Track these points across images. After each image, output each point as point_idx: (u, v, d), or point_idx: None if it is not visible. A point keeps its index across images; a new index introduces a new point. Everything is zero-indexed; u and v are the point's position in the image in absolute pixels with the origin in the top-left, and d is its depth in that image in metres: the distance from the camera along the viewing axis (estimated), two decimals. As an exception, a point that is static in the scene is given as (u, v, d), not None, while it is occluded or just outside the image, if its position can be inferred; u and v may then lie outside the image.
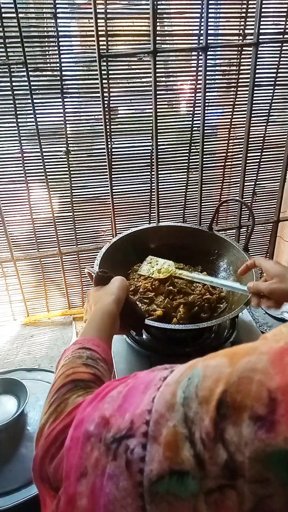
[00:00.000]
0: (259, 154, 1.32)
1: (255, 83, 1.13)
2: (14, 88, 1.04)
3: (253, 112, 1.14)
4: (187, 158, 1.27)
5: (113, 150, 1.18)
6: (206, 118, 1.13)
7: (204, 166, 1.19)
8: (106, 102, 1.10)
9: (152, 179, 1.25)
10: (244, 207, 1.24)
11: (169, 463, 0.27)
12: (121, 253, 1.04)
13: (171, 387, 0.31)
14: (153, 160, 1.21)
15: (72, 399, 0.41)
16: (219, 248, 1.09)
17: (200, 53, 1.09)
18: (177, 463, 0.27)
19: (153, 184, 1.26)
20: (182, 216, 1.38)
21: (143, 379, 0.35)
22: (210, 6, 1.02)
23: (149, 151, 1.22)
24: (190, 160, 1.27)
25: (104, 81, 1.06)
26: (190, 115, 1.21)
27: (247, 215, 1.38)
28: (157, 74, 1.06)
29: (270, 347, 0.29)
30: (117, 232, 1.30)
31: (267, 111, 1.25)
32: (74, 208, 1.26)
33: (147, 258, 1.06)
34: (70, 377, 0.44)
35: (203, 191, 1.24)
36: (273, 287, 0.74)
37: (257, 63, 1.08)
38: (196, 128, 1.22)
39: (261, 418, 0.25)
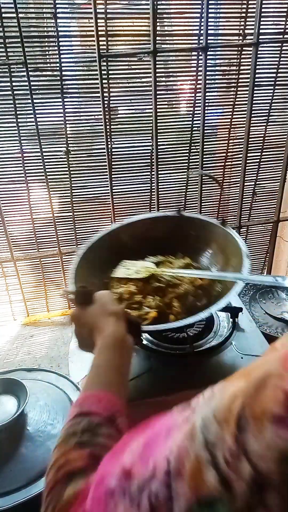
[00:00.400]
0: (259, 154, 1.32)
1: (255, 83, 1.13)
2: (14, 88, 1.04)
3: (253, 112, 1.14)
4: (187, 158, 1.27)
5: (113, 150, 1.18)
6: (206, 118, 1.13)
7: (204, 166, 1.19)
8: (106, 102, 1.10)
9: (152, 179, 1.25)
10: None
11: (195, 494, 0.26)
12: (96, 263, 0.97)
13: (190, 419, 0.30)
14: (153, 160, 1.21)
15: (67, 495, 0.38)
16: (197, 230, 1.03)
17: (200, 53, 1.09)
18: (203, 491, 0.26)
19: (153, 184, 1.26)
20: (182, 216, 1.38)
21: (164, 424, 0.34)
22: (210, 6, 1.02)
23: (149, 151, 1.22)
24: (190, 160, 1.27)
25: (104, 81, 1.06)
26: (190, 115, 1.21)
27: (247, 215, 1.39)
28: (157, 74, 1.06)
29: (281, 353, 0.29)
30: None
31: (267, 111, 1.25)
32: (74, 208, 1.26)
33: (121, 263, 0.99)
34: (63, 470, 0.41)
35: (203, 191, 1.24)
36: None
37: (257, 63, 1.08)
38: (196, 128, 1.22)
39: (281, 418, 0.25)
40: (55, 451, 0.43)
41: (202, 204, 1.27)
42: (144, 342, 1.00)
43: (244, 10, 1.09)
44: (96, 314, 0.60)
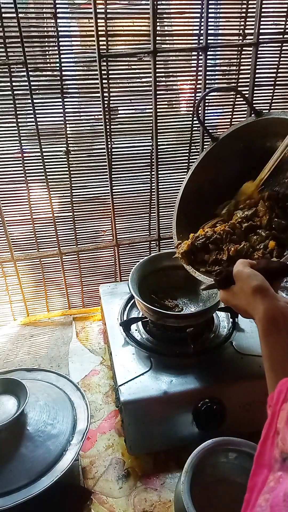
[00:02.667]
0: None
1: (255, 83, 1.13)
2: (14, 88, 1.04)
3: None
4: (187, 158, 1.27)
5: (113, 150, 1.18)
6: (206, 118, 1.13)
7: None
8: (106, 102, 1.10)
9: (152, 179, 1.25)
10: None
11: None
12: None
13: None
14: (153, 160, 1.21)
15: None
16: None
17: (200, 53, 1.09)
18: None
19: (153, 184, 1.26)
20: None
21: (283, 486, 0.36)
22: (210, 6, 1.02)
23: (149, 151, 1.22)
24: (190, 160, 1.27)
25: (104, 81, 1.06)
26: (190, 115, 1.21)
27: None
28: (157, 74, 1.07)
29: None
30: (117, 232, 1.30)
31: (267, 111, 1.25)
32: (74, 208, 1.26)
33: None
34: None
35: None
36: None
37: (257, 63, 1.08)
38: (196, 128, 1.22)
39: None
40: None
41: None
42: (144, 342, 1.00)
43: (244, 10, 1.09)
44: (241, 296, 0.58)
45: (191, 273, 0.85)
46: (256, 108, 0.91)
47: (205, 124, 1.13)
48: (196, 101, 0.94)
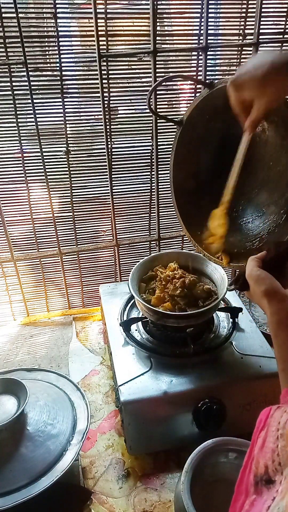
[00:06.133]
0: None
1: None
2: (14, 88, 1.04)
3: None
4: (187, 158, 1.27)
5: (113, 150, 1.18)
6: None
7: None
8: (106, 102, 1.10)
9: (152, 179, 1.25)
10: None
11: None
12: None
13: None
14: (153, 160, 1.21)
15: None
16: None
17: (200, 53, 1.09)
18: None
19: (153, 184, 1.26)
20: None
21: (256, 508, 0.39)
22: (210, 6, 1.02)
23: (149, 151, 1.22)
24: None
25: (104, 81, 1.06)
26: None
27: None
28: (157, 74, 1.07)
29: None
30: (117, 232, 1.30)
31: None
32: (74, 208, 1.26)
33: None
34: None
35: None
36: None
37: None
38: (196, 128, 1.22)
39: None
40: None
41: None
42: (144, 342, 1.00)
43: (244, 10, 1.09)
44: (255, 298, 0.61)
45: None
46: (207, 81, 0.78)
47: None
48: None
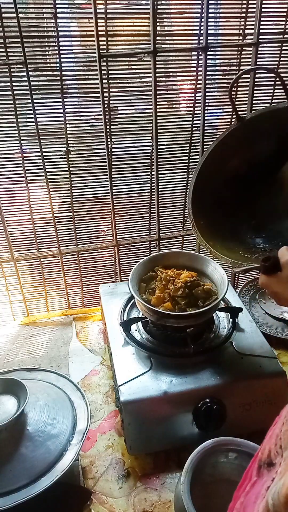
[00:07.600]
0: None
1: (255, 83, 1.13)
2: (14, 88, 1.04)
3: (253, 112, 1.13)
4: (187, 158, 1.27)
5: (113, 150, 1.18)
6: (206, 118, 1.13)
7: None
8: (106, 102, 1.10)
9: (152, 179, 1.26)
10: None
11: None
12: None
13: (267, 496, 0.36)
14: (153, 160, 1.21)
15: None
16: None
17: (200, 53, 1.09)
18: None
19: (153, 184, 1.26)
20: (182, 216, 1.38)
21: (255, 489, 0.40)
22: (210, 6, 1.02)
23: (149, 151, 1.22)
24: (190, 160, 1.27)
25: (104, 81, 1.06)
26: (190, 115, 1.21)
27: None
28: (157, 74, 1.07)
29: None
30: (117, 232, 1.30)
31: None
32: (74, 208, 1.26)
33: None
34: None
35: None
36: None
37: (257, 63, 1.08)
38: (196, 128, 1.22)
39: None
40: None
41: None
42: (144, 342, 1.00)
43: (244, 10, 1.09)
44: (280, 285, 0.59)
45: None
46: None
47: (205, 124, 1.12)
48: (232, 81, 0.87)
